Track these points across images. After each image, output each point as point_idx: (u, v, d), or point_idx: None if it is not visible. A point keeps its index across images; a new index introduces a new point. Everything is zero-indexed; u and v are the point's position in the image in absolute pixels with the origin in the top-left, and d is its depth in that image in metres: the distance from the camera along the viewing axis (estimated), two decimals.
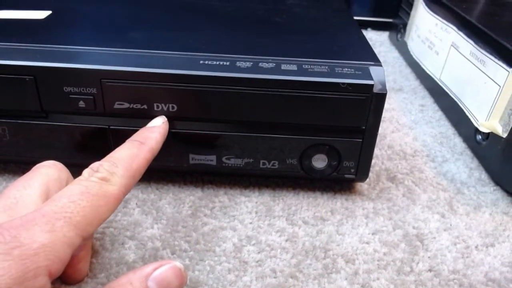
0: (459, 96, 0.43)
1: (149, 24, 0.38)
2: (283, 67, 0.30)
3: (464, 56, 0.42)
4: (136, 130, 0.30)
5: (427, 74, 0.51)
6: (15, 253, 0.18)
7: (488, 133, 0.38)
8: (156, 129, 0.29)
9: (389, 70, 0.59)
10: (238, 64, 0.30)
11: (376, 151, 0.41)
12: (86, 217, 0.21)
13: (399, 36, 0.64)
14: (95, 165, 0.24)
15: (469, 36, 0.42)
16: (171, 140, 0.32)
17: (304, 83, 0.29)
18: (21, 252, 0.18)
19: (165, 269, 0.23)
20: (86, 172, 0.24)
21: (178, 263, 0.24)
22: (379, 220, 0.33)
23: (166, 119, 0.30)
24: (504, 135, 0.35)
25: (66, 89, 0.30)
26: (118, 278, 0.23)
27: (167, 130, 0.30)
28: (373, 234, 0.32)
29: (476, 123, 0.38)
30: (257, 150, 0.32)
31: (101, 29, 0.36)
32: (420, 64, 0.53)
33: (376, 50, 0.34)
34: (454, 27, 0.45)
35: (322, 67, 0.30)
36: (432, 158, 0.41)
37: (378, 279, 0.28)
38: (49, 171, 0.25)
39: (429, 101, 0.52)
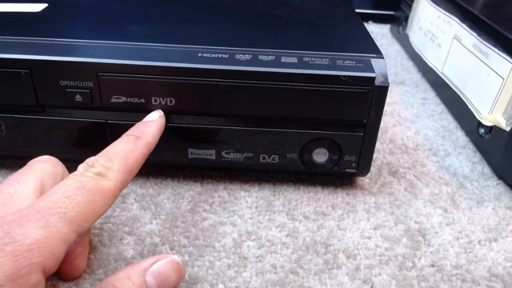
0: (462, 89, 0.42)
1: (146, 17, 0.37)
2: (283, 59, 0.30)
3: (467, 49, 0.41)
4: (134, 125, 0.29)
5: (429, 67, 0.50)
6: (8, 250, 0.18)
7: (491, 127, 0.37)
8: (152, 123, 0.29)
9: (390, 63, 0.59)
10: (237, 56, 0.30)
11: (378, 145, 0.40)
12: (81, 212, 0.21)
13: (400, 28, 0.64)
14: (90, 160, 0.24)
15: (472, 28, 0.41)
16: (170, 134, 0.31)
17: (305, 76, 0.29)
18: (14, 248, 0.18)
19: (163, 263, 0.23)
20: (81, 167, 0.23)
21: (176, 257, 0.24)
22: (381, 215, 0.33)
23: (162, 113, 0.30)
24: (508, 129, 0.34)
25: (62, 83, 0.29)
26: (116, 273, 0.23)
27: (164, 124, 0.30)
28: (374, 229, 0.31)
29: (479, 116, 0.38)
30: (257, 145, 0.32)
31: (98, 22, 0.35)
32: (422, 57, 0.53)
33: (377, 43, 0.34)
34: (457, 19, 0.44)
35: (323, 59, 0.30)
36: (434, 152, 0.40)
37: (379, 274, 0.28)
38: (44, 166, 0.25)
39: (431, 94, 0.51)
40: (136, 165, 0.26)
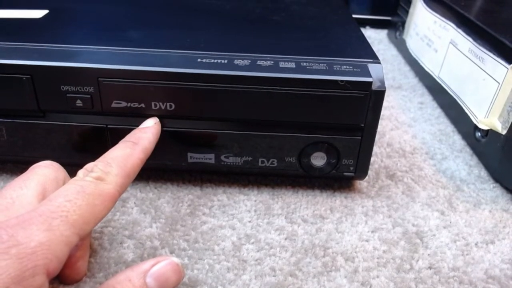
0: (458, 93, 0.43)
1: (146, 23, 0.38)
2: (281, 64, 0.30)
3: (463, 53, 0.42)
4: (134, 129, 0.30)
5: (426, 71, 0.50)
6: (12, 252, 0.18)
7: (487, 130, 0.38)
8: (148, 129, 0.29)
9: (388, 67, 0.59)
10: (236, 62, 0.30)
11: (375, 149, 0.41)
12: (83, 215, 0.21)
13: (397, 34, 0.64)
14: (89, 165, 0.24)
15: (467, 33, 0.42)
16: (169, 139, 0.32)
17: (303, 80, 0.29)
18: (19, 251, 0.18)
19: (163, 265, 0.23)
20: (80, 172, 0.24)
21: (175, 259, 0.24)
22: (379, 218, 0.33)
23: (158, 120, 0.31)
24: (503, 132, 0.35)
25: (63, 88, 0.30)
26: (116, 275, 0.23)
27: (160, 130, 0.30)
28: (372, 232, 0.32)
29: (475, 120, 0.38)
30: (255, 149, 0.32)
31: (98, 28, 0.36)
32: (419, 61, 0.53)
33: (374, 48, 0.34)
34: (453, 25, 0.45)
35: (320, 64, 0.30)
36: (432, 156, 0.41)
37: (377, 277, 0.28)
38: (45, 171, 0.25)
39: (428, 98, 0.52)
40: (134, 170, 0.26)
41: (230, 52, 0.31)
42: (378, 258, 0.29)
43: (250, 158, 0.33)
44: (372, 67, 0.30)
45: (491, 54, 0.37)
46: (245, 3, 0.44)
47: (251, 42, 0.34)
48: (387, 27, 0.71)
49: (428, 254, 0.30)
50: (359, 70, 0.30)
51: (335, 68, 0.30)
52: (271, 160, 0.33)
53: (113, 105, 0.30)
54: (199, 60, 0.30)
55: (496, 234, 0.32)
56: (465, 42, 0.42)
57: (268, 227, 0.31)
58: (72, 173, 0.25)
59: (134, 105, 0.30)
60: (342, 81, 0.29)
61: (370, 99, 0.30)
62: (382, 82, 0.30)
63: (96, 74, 0.29)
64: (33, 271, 0.18)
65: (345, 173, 0.33)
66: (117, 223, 0.31)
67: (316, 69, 0.30)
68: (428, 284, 0.28)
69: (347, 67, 0.30)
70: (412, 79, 0.56)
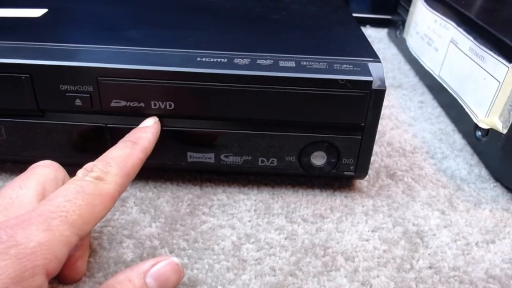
0: (459, 92, 0.42)
1: (146, 22, 0.37)
2: (281, 63, 0.30)
3: (463, 52, 0.42)
4: (133, 128, 0.30)
5: (426, 70, 0.50)
6: (12, 252, 0.18)
7: (488, 129, 0.38)
8: (148, 129, 0.29)
9: (388, 66, 0.59)
10: (235, 61, 0.30)
11: (376, 148, 0.41)
12: (82, 215, 0.21)
13: (398, 32, 0.64)
14: (89, 165, 0.24)
15: (468, 32, 0.42)
16: (169, 138, 0.32)
17: (303, 79, 0.29)
18: (18, 251, 0.18)
19: (163, 265, 0.23)
20: (80, 172, 0.24)
21: (175, 259, 0.24)
22: (379, 217, 0.33)
23: (157, 119, 0.30)
24: (504, 131, 0.35)
25: (62, 87, 0.29)
26: (116, 275, 0.23)
27: (159, 130, 0.30)
28: (372, 231, 0.32)
29: (476, 119, 0.38)
30: (255, 148, 0.32)
31: (98, 27, 0.36)
32: (419, 60, 0.53)
33: (375, 47, 0.34)
34: (453, 23, 0.45)
35: (320, 63, 0.30)
36: (432, 155, 0.41)
37: (378, 276, 0.28)
38: (45, 171, 0.25)
39: (428, 97, 0.51)
40: (133, 169, 0.26)
41: (229, 51, 0.31)
42: (378, 258, 0.29)
43: (250, 158, 0.33)
44: (372, 66, 0.30)
45: (492, 53, 0.37)
46: (245, 2, 0.44)
47: (251, 41, 0.34)
48: (388, 26, 0.71)
49: (429, 254, 0.30)
50: (359, 69, 0.30)
51: (335, 67, 0.30)
52: (271, 159, 0.33)
53: (113, 104, 0.30)
54: (198, 59, 0.30)
55: (496, 233, 0.32)
56: (465, 41, 0.42)
57: (268, 226, 0.31)
58: (71, 172, 0.25)
59: (133, 104, 0.30)
60: (342, 80, 0.29)
61: (371, 98, 0.30)
62: (383, 81, 0.30)
63: (95, 73, 0.29)
64: (32, 271, 0.18)
65: (345, 173, 0.33)
66: (117, 222, 0.31)
67: (316, 68, 0.30)
68: (429, 284, 0.28)
69: (347, 66, 0.30)
70: (412, 78, 0.56)
